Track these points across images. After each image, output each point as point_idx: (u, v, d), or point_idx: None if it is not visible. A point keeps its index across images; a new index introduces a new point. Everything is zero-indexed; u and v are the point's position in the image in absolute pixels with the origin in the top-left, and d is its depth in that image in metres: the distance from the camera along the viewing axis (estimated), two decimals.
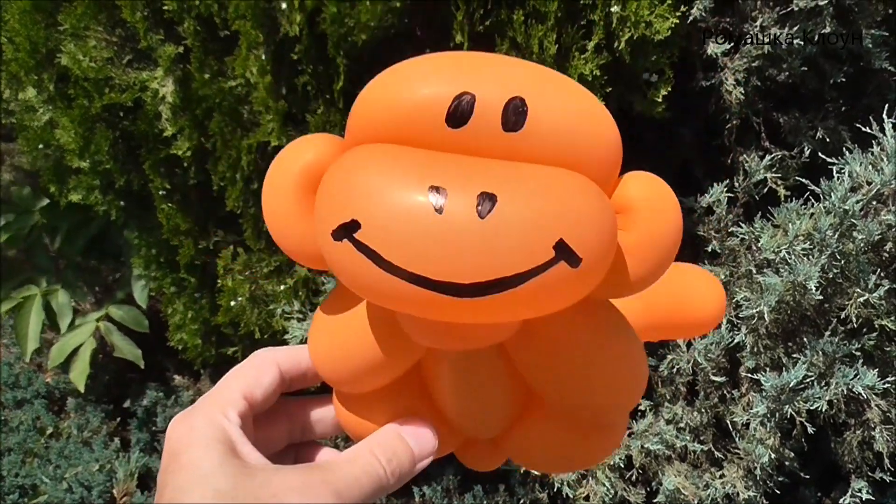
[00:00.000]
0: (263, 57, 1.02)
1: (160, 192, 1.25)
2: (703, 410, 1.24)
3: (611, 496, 1.30)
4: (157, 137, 1.19)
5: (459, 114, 0.35)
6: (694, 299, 0.48)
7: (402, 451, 0.44)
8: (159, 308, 1.67)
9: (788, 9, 1.06)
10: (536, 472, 1.35)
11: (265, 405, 0.45)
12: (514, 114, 0.35)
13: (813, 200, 1.09)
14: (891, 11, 1.15)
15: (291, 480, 0.40)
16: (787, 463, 1.23)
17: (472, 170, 0.34)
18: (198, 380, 1.79)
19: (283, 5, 0.99)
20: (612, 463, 1.29)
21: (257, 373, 0.45)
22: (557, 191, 0.35)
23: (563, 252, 0.33)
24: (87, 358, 1.64)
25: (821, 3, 1.04)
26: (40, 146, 1.32)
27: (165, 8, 1.08)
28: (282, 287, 1.29)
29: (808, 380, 1.09)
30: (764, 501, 1.25)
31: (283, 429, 0.49)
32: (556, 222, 0.34)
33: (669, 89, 1.07)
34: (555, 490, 1.34)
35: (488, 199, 0.33)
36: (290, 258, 0.41)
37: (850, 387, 1.07)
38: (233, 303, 1.26)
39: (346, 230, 0.34)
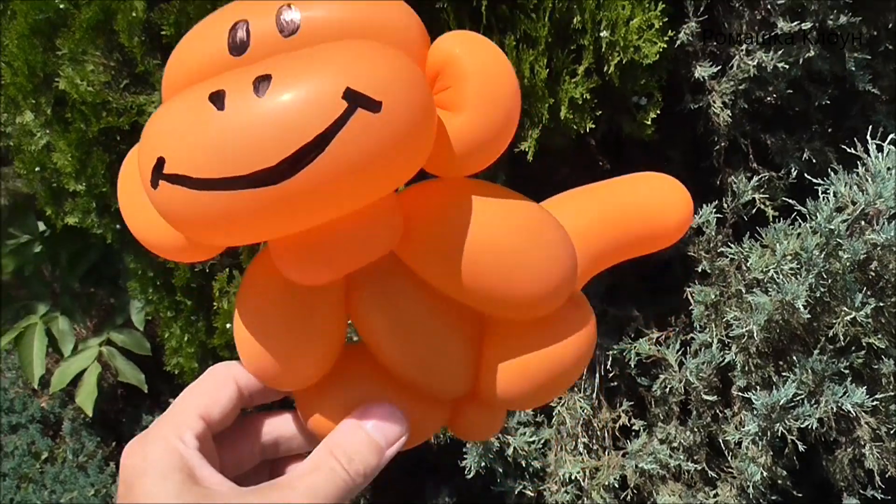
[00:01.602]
0: None
1: None
2: (696, 430, 1.25)
3: None
4: None
5: (239, 41, 0.35)
6: (656, 205, 0.46)
7: (365, 446, 0.41)
8: (154, 332, 1.68)
9: (773, 33, 1.08)
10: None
11: (224, 423, 0.44)
12: (286, 20, 0.35)
13: (800, 220, 1.11)
14: (875, 33, 1.17)
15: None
16: (779, 482, 1.24)
17: (249, 70, 0.34)
18: None
19: None
20: (606, 483, 1.29)
21: (214, 390, 0.44)
22: (334, 49, 0.34)
23: (356, 99, 0.32)
24: (94, 382, 1.65)
25: (804, 28, 1.06)
26: (37, 169, 1.33)
27: (163, 33, 1.09)
28: None
29: (798, 398, 1.10)
30: None
31: (254, 446, 0.47)
32: (337, 73, 0.33)
33: (658, 112, 1.09)
34: None
35: (263, 80, 0.33)
36: (159, 254, 0.40)
37: (839, 404, 1.08)
38: (229, 325, 1.27)
39: (157, 172, 0.33)
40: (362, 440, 0.42)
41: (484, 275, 0.39)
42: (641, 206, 0.46)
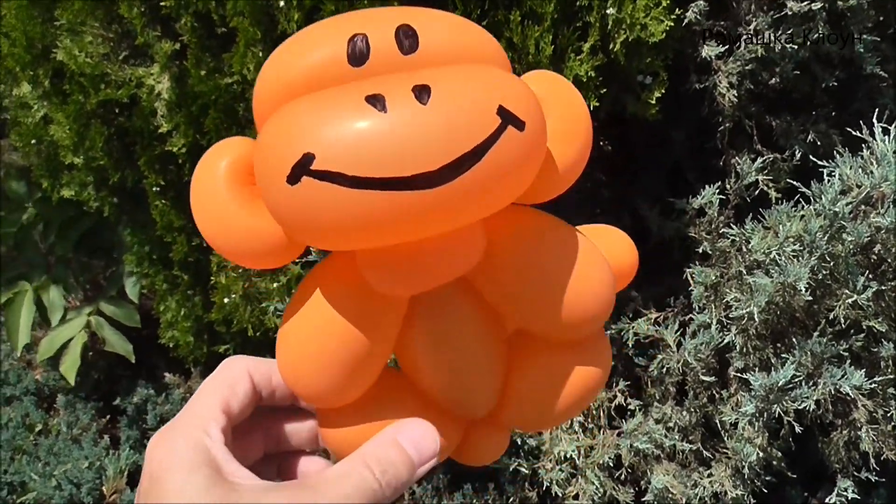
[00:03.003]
0: (261, 54, 1.03)
1: (154, 189, 1.26)
2: (692, 410, 1.25)
3: (600, 495, 1.31)
4: (152, 134, 1.19)
5: (358, 52, 0.36)
6: (609, 254, 0.47)
7: (399, 460, 0.41)
8: (150, 306, 1.67)
9: (782, 13, 1.08)
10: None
11: (241, 417, 0.44)
12: (406, 37, 0.37)
13: (803, 203, 1.10)
14: (882, 18, 1.16)
15: (281, 502, 0.38)
16: (774, 462, 1.24)
17: (396, 78, 0.35)
18: (189, 377, 1.79)
19: (282, 3, 1.00)
20: (601, 462, 1.30)
21: (232, 383, 0.44)
22: (479, 70, 0.37)
23: (508, 117, 0.35)
24: (78, 351, 1.64)
25: (814, 8, 1.05)
26: (33, 142, 1.32)
27: (163, 4, 1.08)
28: (275, 285, 1.29)
29: (796, 380, 1.10)
30: (751, 500, 1.26)
31: (259, 440, 0.47)
32: (492, 92, 0.35)
33: (663, 91, 1.08)
34: (544, 489, 1.35)
35: (423, 89, 0.34)
36: (237, 262, 0.40)
37: (837, 387, 1.09)
38: (226, 300, 1.27)
39: (301, 167, 0.33)
40: (397, 454, 0.41)
41: (548, 297, 0.41)
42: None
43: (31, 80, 1.20)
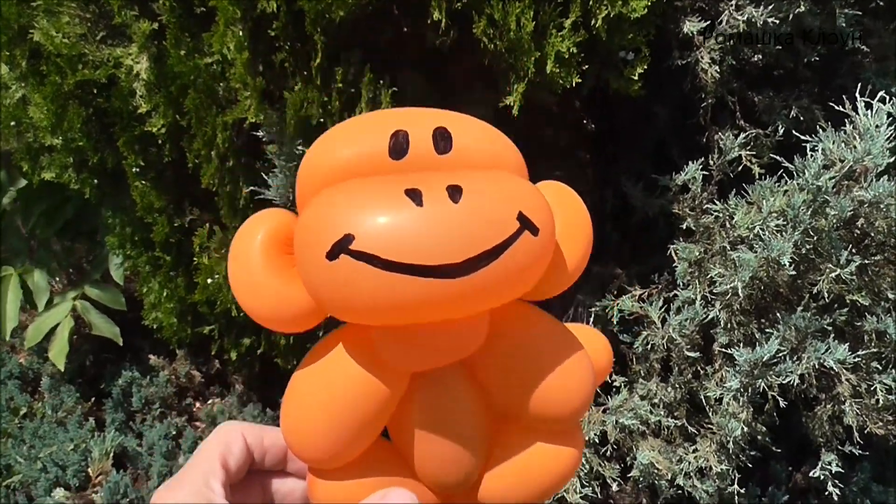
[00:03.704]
0: (241, 33, 1.02)
1: (134, 170, 1.25)
2: (677, 386, 1.26)
3: (586, 471, 1.31)
4: (131, 115, 1.18)
5: (399, 146, 0.41)
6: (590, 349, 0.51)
7: None
8: (133, 289, 1.66)
9: None
10: None
11: (238, 476, 0.46)
12: (442, 139, 0.42)
13: (786, 178, 1.11)
14: None
15: None
16: (759, 437, 1.25)
17: (431, 176, 0.40)
18: (173, 359, 1.78)
19: None
20: (587, 438, 1.30)
21: (228, 442, 0.46)
22: (503, 178, 0.42)
23: (525, 223, 0.40)
24: (66, 336, 1.64)
25: None
26: (12, 124, 1.30)
27: None
28: None
29: (780, 354, 1.11)
30: (736, 475, 1.27)
31: (258, 496, 0.49)
32: (514, 199, 0.40)
33: (645, 67, 1.08)
34: None
35: (455, 189, 0.39)
36: (265, 325, 0.43)
37: (821, 361, 1.09)
38: (210, 280, 1.26)
39: (341, 246, 0.37)
40: None
41: (535, 385, 0.45)
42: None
43: (8, 60, 1.19)
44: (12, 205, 1.68)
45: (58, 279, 1.84)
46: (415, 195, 0.38)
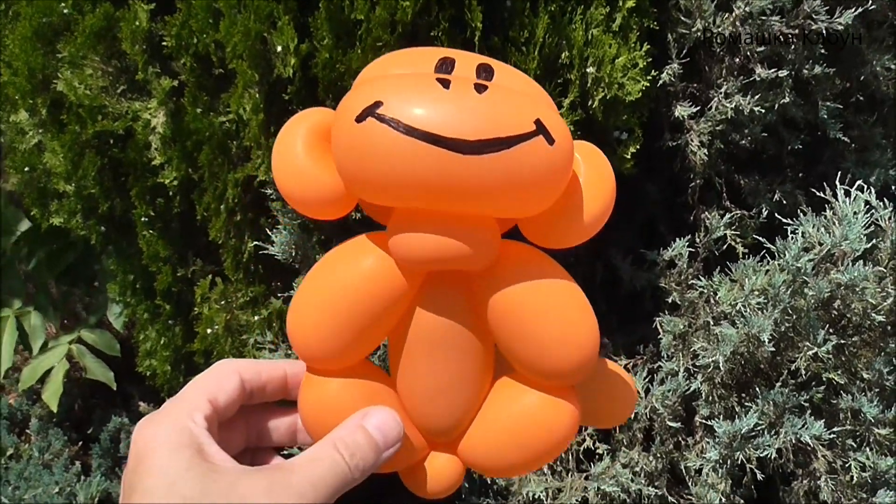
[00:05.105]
0: (258, 95, 1.07)
1: (143, 219, 1.29)
2: (658, 456, 1.28)
3: None
4: (145, 166, 1.22)
5: (444, 68, 0.45)
6: (616, 395, 0.53)
7: (366, 444, 0.45)
8: (127, 334, 1.69)
9: (751, 78, 1.14)
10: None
11: (228, 412, 0.47)
12: (484, 71, 0.45)
13: (768, 258, 1.15)
14: (849, 85, 1.23)
15: (258, 483, 0.41)
16: None
17: (465, 78, 0.44)
18: None
19: (279, 48, 1.04)
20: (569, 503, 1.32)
21: (219, 380, 0.47)
22: (534, 87, 0.46)
23: (542, 129, 0.42)
24: (60, 378, 1.65)
25: (781, 75, 1.11)
26: (26, 169, 1.34)
27: (164, 44, 1.12)
28: (256, 318, 1.32)
29: (758, 428, 1.14)
30: None
31: (241, 433, 0.50)
32: (537, 103, 0.44)
33: (638, 147, 1.13)
34: None
35: (481, 87, 0.43)
36: (297, 208, 0.47)
37: (798, 436, 1.13)
38: (209, 331, 1.29)
39: (370, 110, 0.41)
40: (365, 438, 0.45)
41: (537, 334, 0.46)
42: (607, 390, 0.53)
43: (29, 108, 1.23)
44: (14, 247, 1.71)
45: (52, 323, 1.86)
46: (444, 83, 0.42)
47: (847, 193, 1.11)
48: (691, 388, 1.20)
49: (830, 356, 1.12)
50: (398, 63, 0.46)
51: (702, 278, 1.21)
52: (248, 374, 0.48)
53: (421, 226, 0.43)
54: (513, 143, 0.41)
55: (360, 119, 0.41)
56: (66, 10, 1.14)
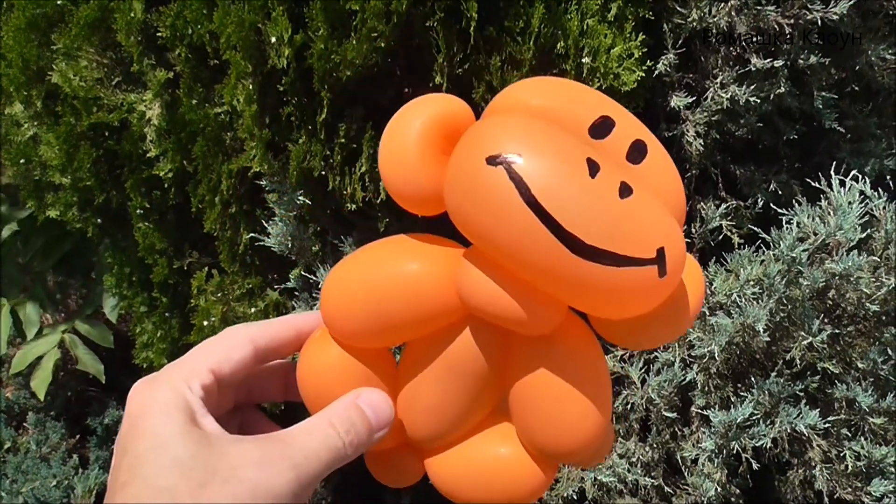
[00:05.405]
0: (251, 87, 1.07)
1: (138, 211, 1.29)
2: (654, 446, 1.29)
3: None
4: (140, 158, 1.22)
5: (603, 129, 0.43)
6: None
7: (360, 422, 0.45)
8: (125, 327, 1.69)
9: (746, 68, 1.14)
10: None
11: (233, 380, 0.46)
12: (638, 151, 0.43)
13: (764, 248, 1.15)
14: (844, 75, 1.22)
15: (250, 453, 0.41)
16: (732, 499, 1.28)
17: (615, 165, 0.42)
18: None
19: (273, 39, 1.04)
20: (565, 494, 1.32)
21: (228, 349, 0.46)
22: (668, 215, 0.42)
23: (660, 259, 0.40)
24: (50, 367, 1.65)
25: (776, 65, 1.11)
26: (21, 161, 1.34)
27: (159, 35, 1.12)
28: (252, 310, 1.32)
29: (754, 417, 1.15)
30: None
31: (232, 392, 0.49)
32: (666, 233, 0.41)
33: None
34: None
35: (627, 188, 0.40)
36: (401, 203, 0.45)
37: (793, 425, 1.13)
38: (206, 322, 1.29)
39: (507, 160, 0.39)
40: (359, 415, 0.45)
41: (539, 403, 0.46)
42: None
43: (24, 100, 1.23)
44: (12, 237, 1.71)
45: (48, 313, 1.86)
46: (593, 167, 0.40)
47: (842, 183, 1.11)
48: (687, 379, 1.20)
49: (825, 346, 1.12)
50: (557, 96, 0.44)
51: None
52: (263, 339, 0.47)
53: (494, 273, 0.42)
54: (626, 264, 0.39)
55: (491, 162, 0.39)
56: (60, 1, 1.14)
